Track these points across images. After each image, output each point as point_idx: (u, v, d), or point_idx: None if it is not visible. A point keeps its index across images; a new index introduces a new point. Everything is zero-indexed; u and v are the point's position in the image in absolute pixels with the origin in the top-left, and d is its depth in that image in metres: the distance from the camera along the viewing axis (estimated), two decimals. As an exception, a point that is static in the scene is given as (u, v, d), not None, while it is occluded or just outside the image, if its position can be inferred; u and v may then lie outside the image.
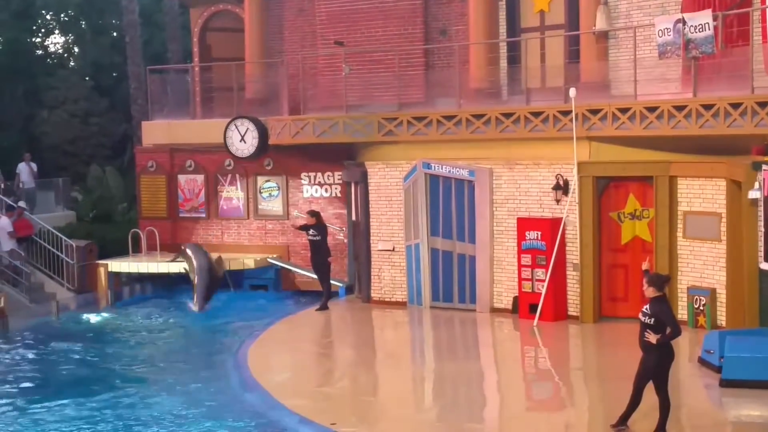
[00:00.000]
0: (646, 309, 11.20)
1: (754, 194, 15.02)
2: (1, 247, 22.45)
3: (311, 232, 20.42)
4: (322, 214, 21.00)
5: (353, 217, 21.66)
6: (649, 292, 11.23)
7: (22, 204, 24.41)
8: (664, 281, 11.44)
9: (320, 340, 18.31)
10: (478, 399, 14.14)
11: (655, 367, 11.16)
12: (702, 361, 14.31)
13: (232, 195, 23.73)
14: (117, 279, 23.22)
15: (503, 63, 20.38)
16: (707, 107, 15.79)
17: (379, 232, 20.64)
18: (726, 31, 16.35)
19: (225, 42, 25.11)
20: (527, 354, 17.07)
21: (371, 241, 20.75)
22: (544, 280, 18.08)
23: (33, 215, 25.24)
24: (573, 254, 18.22)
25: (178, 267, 18.99)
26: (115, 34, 38.45)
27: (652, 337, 11.00)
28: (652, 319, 11.09)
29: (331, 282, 20.92)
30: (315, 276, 20.91)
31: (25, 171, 27.72)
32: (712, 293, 16.71)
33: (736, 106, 15.39)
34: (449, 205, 19.64)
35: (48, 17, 39.40)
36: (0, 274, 22.69)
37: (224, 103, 23.39)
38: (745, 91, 15.48)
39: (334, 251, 21.22)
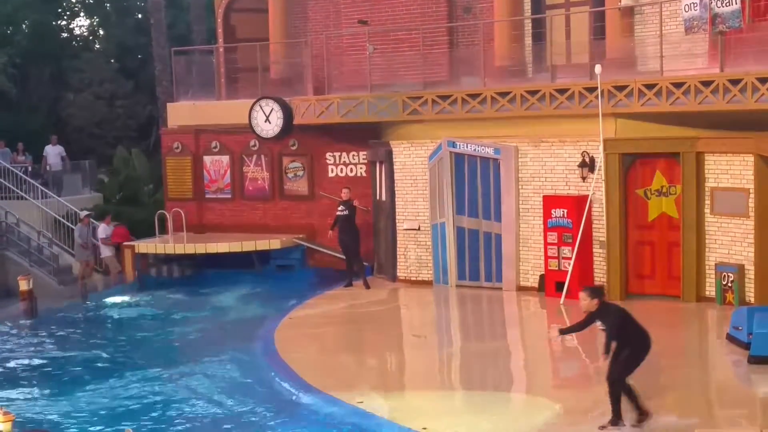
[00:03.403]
0: (600, 325, 10.89)
1: (782, 169, 14.91)
2: (100, 252, 22.60)
3: (340, 207, 20.48)
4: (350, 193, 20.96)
5: (378, 197, 21.65)
6: (593, 305, 10.86)
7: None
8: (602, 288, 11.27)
9: (347, 319, 18.33)
10: (506, 377, 14.15)
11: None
12: (730, 338, 14.23)
13: (258, 175, 23.75)
14: (144, 260, 23.34)
15: (528, 40, 20.27)
16: (734, 82, 15.64)
17: (404, 211, 20.63)
18: (753, 4, 16.18)
19: (249, 22, 25.08)
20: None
21: (397, 221, 20.75)
22: (570, 258, 18.02)
23: (60, 198, 25.40)
24: (599, 232, 18.14)
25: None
26: (139, 15, 38.63)
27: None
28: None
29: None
30: (342, 256, 20.96)
31: (51, 154, 27.91)
32: (740, 269, 16.61)
33: (763, 80, 15.23)
34: (474, 184, 19.60)
35: (73, 0, 39.55)
36: (28, 256, 22.87)
37: (249, 83, 23.42)
38: (772, 65, 15.34)
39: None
